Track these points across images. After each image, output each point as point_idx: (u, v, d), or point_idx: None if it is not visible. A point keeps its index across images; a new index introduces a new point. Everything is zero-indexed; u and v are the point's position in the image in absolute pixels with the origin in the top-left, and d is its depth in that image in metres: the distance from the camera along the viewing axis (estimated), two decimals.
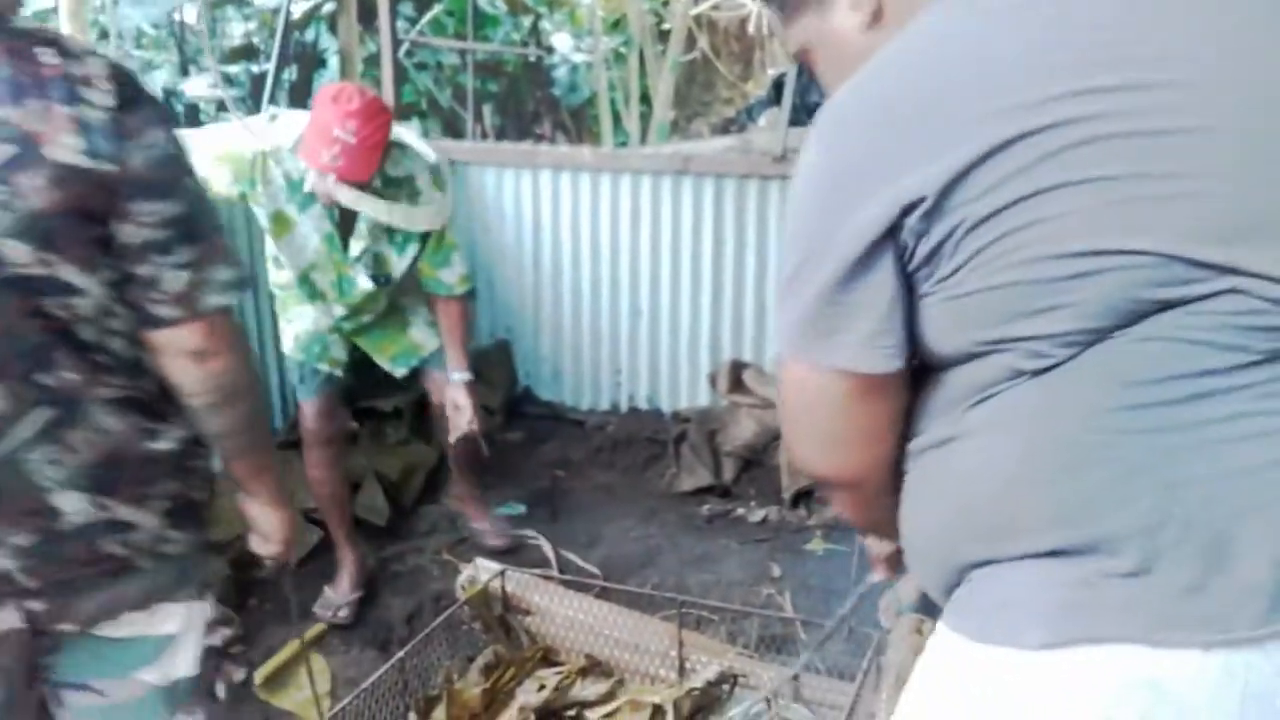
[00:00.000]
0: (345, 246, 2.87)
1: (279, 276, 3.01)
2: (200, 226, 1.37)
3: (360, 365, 3.14)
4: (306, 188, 2.76)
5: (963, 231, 0.92)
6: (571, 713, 2.48)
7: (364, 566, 3.21)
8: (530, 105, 8.18)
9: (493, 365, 4.38)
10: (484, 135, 7.07)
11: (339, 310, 2.99)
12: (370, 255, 2.89)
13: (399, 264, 2.93)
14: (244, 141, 2.79)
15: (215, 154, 2.79)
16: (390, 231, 2.89)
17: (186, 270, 1.35)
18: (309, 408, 3.07)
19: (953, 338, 0.99)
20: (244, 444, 1.52)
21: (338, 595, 3.11)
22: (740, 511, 3.66)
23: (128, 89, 1.29)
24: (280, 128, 2.82)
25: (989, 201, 0.91)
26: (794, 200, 1.04)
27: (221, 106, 6.40)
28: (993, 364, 0.97)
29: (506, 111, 8.08)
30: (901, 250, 0.96)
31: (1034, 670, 0.92)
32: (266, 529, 1.66)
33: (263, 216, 2.85)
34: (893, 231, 0.95)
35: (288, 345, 3.07)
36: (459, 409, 3.06)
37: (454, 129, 7.05)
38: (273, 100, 4.32)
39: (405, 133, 2.97)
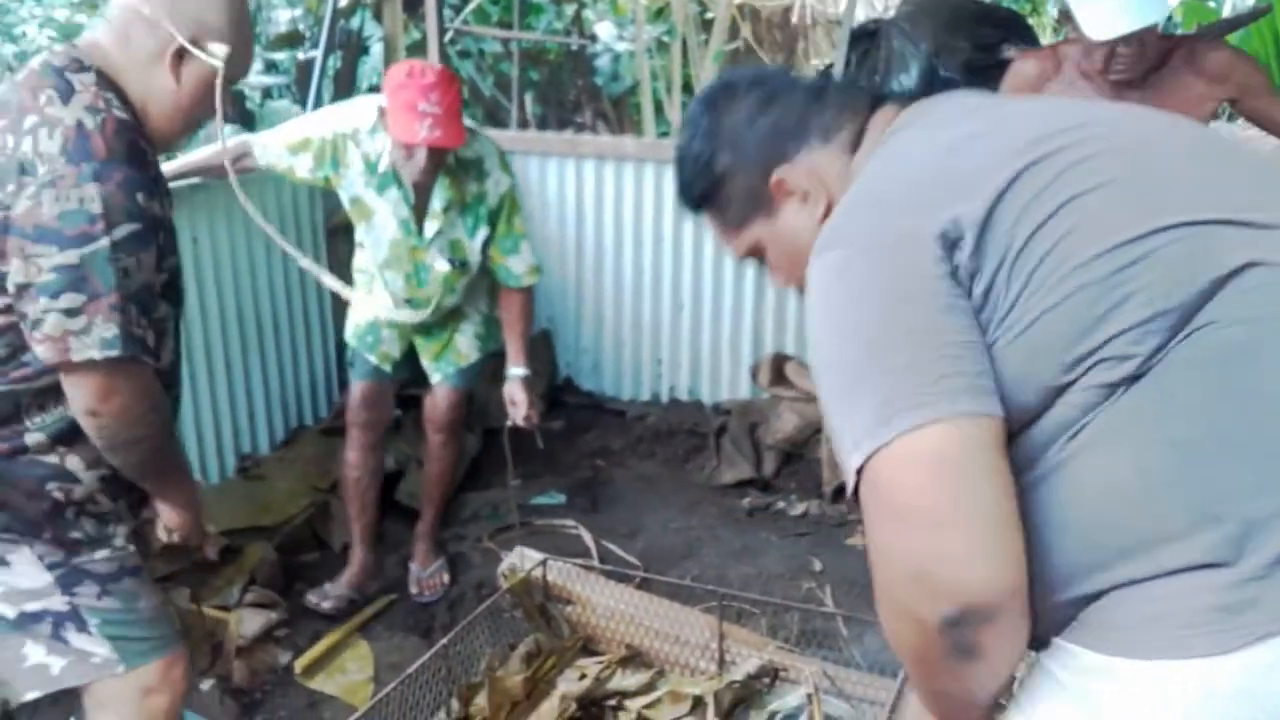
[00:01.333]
0: (421, 230, 2.88)
1: (359, 259, 3.04)
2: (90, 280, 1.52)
3: (407, 354, 3.16)
4: (382, 168, 2.78)
5: (1010, 259, 0.97)
6: (612, 702, 2.48)
7: (369, 572, 3.17)
8: (571, 94, 8.18)
9: (534, 354, 4.38)
10: (525, 124, 7.06)
11: (405, 314, 2.99)
12: (445, 240, 2.90)
13: (472, 248, 2.93)
14: (319, 127, 2.83)
15: (289, 144, 2.83)
16: (463, 214, 2.90)
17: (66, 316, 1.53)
18: (355, 389, 3.12)
19: (1033, 375, 0.96)
20: (141, 475, 1.75)
21: (334, 588, 3.08)
22: (781, 505, 3.65)
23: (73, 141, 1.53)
24: (357, 110, 2.85)
25: (1024, 226, 0.97)
26: (838, 304, 1.03)
27: (267, 94, 6.45)
28: (1081, 391, 0.95)
29: (547, 100, 8.08)
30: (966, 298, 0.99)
31: (1205, 678, 0.90)
32: (168, 521, 1.87)
33: (345, 200, 2.89)
34: (952, 277, 0.98)
35: (347, 330, 3.13)
36: (515, 404, 3.05)
37: (495, 117, 7.06)
38: (319, 87, 4.34)
39: (490, 153, 2.96)
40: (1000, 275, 0.97)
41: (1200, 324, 0.93)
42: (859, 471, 0.95)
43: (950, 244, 0.97)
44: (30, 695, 1.76)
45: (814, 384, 1.04)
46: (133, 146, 1.58)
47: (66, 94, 1.56)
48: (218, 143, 3.05)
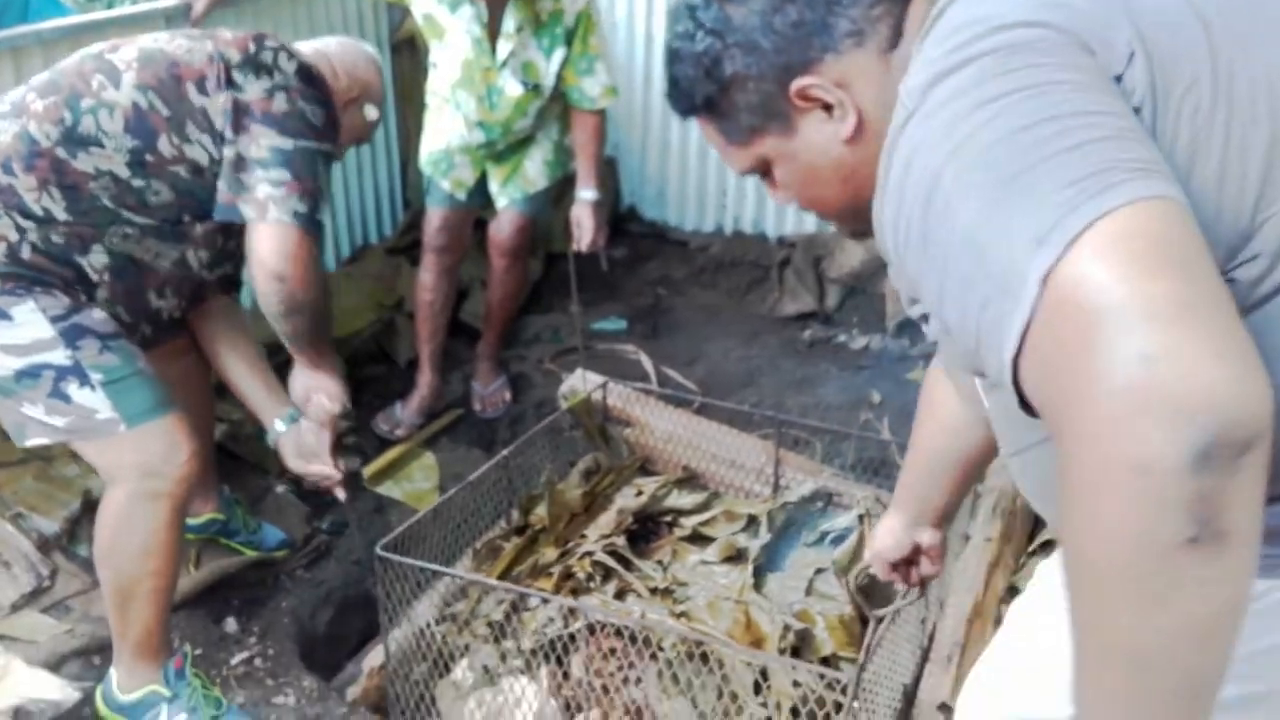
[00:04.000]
0: (494, 51, 2.81)
1: (433, 81, 2.99)
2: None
3: (481, 181, 3.10)
4: None
5: (1166, 92, 0.81)
6: (667, 518, 2.55)
7: (437, 395, 3.22)
8: None
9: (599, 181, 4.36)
10: None
11: (478, 136, 2.94)
12: (519, 62, 2.82)
13: (547, 70, 2.85)
14: None
15: None
16: (537, 34, 2.82)
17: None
18: (431, 216, 3.10)
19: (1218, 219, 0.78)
20: (299, 345, 2.02)
21: (404, 414, 3.14)
22: (842, 338, 3.64)
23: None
24: None
25: (1177, 46, 0.82)
26: (980, 99, 0.78)
27: None
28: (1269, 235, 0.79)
29: None
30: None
31: None
32: (328, 390, 2.12)
33: (418, 17, 2.83)
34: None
35: (422, 157, 3.09)
36: (581, 227, 3.02)
37: None
38: None
39: None
40: (1160, 104, 0.80)
41: None
42: (1044, 283, 0.68)
43: (1102, 56, 0.81)
44: (37, 440, 1.87)
45: (938, 233, 0.78)
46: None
47: (295, 51, 2.01)
48: None
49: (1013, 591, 2.16)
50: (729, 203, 4.32)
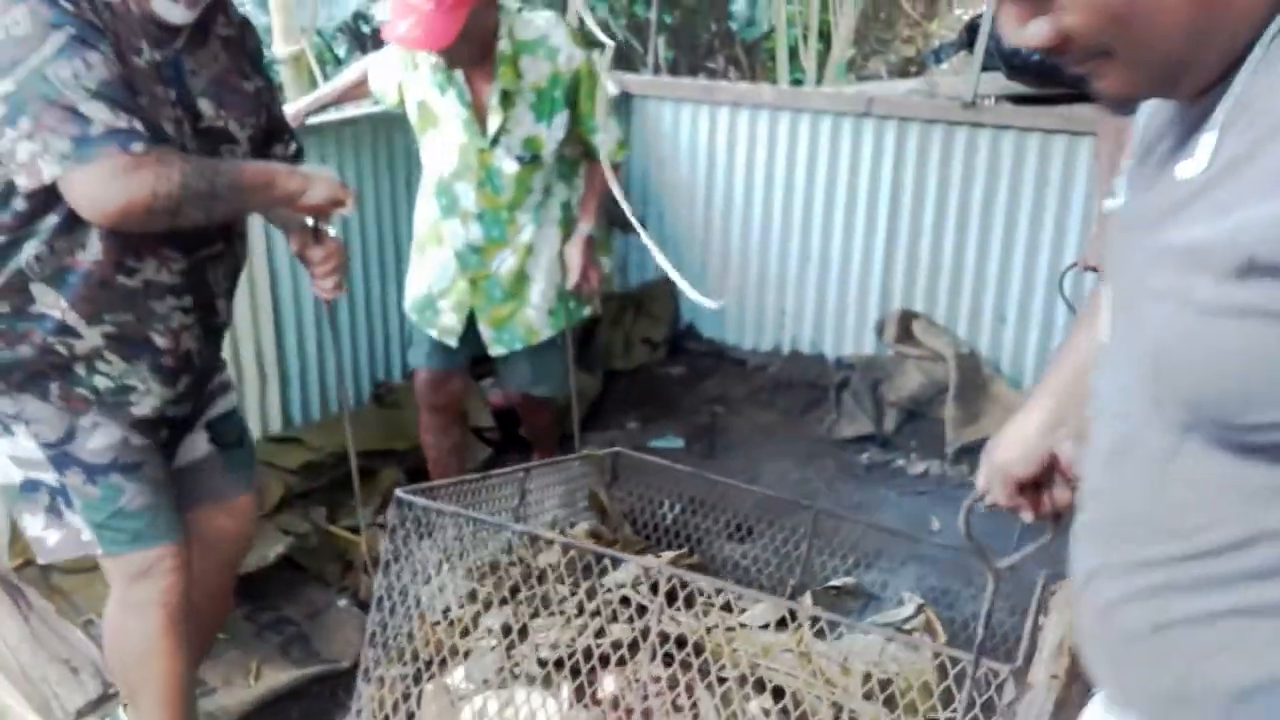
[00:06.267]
0: (484, 129, 2.73)
1: (417, 216, 2.95)
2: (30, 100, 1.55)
3: (471, 325, 2.94)
4: (433, 60, 2.67)
5: None
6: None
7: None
8: (704, 38, 8.11)
9: (656, 299, 4.42)
10: (656, 69, 7.04)
11: (476, 233, 2.82)
12: (514, 138, 2.72)
13: (549, 136, 2.74)
14: None
15: (379, 61, 2.86)
16: (534, 103, 2.71)
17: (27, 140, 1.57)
18: (419, 375, 3.03)
19: None
20: (228, 216, 1.79)
21: None
22: (900, 463, 3.63)
23: None
24: None
25: None
26: None
27: None
28: None
29: (679, 44, 8.02)
30: None
31: None
32: (318, 198, 1.83)
33: (413, 112, 2.79)
34: None
35: (406, 302, 3.01)
36: (571, 265, 2.87)
37: (627, 60, 7.04)
38: None
39: (555, 28, 2.74)
40: None
41: None
42: None
43: None
44: (40, 560, 1.95)
45: None
46: None
47: None
48: (340, 75, 3.16)
49: None
50: (788, 322, 4.36)
